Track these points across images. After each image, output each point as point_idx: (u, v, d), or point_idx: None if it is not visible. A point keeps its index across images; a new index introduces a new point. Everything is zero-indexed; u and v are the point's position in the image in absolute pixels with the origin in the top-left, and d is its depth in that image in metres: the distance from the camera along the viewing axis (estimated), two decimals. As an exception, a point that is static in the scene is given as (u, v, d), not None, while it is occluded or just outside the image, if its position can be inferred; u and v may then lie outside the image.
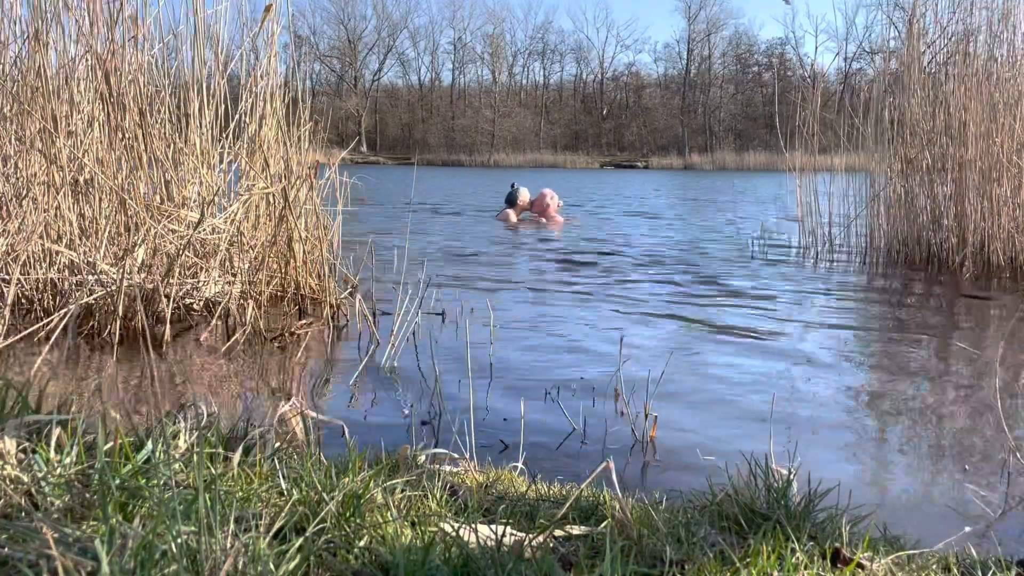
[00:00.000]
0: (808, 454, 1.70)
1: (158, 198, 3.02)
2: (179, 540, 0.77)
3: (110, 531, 0.77)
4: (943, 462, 1.74)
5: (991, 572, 1.06)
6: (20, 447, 1.03)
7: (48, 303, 2.76)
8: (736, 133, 47.54)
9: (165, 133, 3.12)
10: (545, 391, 2.16)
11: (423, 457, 1.29)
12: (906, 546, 1.13)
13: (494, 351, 2.56)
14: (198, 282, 2.96)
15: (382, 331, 2.74)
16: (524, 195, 8.48)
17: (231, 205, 3.12)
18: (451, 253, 5.18)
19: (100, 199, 2.94)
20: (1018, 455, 1.73)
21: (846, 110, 5.37)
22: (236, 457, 1.13)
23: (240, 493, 1.03)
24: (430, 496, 1.12)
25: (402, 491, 1.11)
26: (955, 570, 1.07)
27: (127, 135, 2.99)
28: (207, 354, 2.51)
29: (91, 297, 2.62)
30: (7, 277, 2.61)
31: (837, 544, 1.04)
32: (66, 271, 2.78)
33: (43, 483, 0.93)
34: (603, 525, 1.05)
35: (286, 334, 2.72)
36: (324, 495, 0.99)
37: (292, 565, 0.81)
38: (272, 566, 0.79)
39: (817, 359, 2.60)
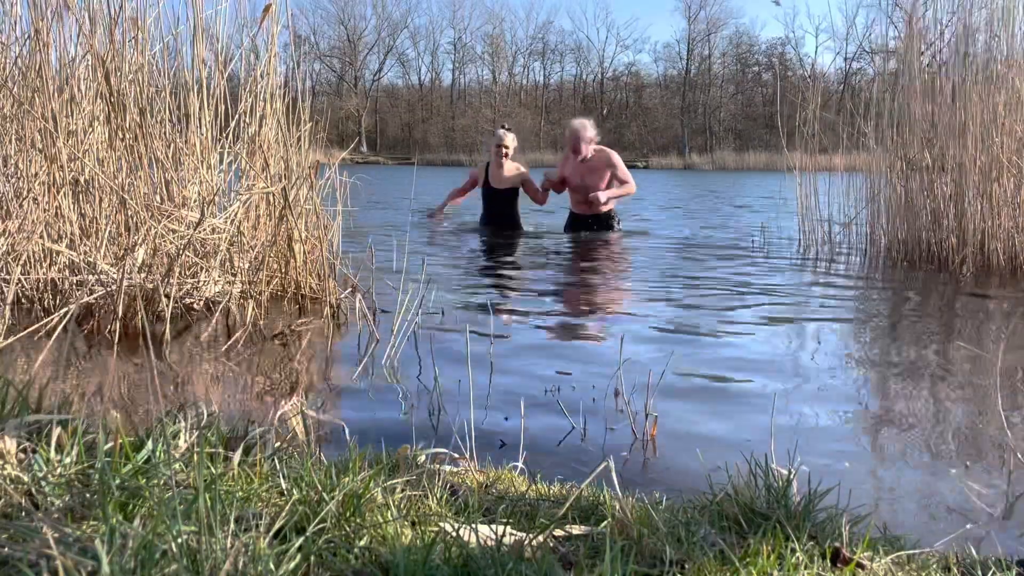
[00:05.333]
0: (808, 454, 1.70)
1: (158, 198, 3.02)
2: (179, 540, 0.77)
3: (110, 531, 0.77)
4: (943, 461, 1.74)
5: (991, 572, 1.06)
6: (20, 447, 1.03)
7: (48, 302, 2.76)
8: (736, 133, 47.58)
9: (165, 133, 3.12)
10: (545, 389, 2.16)
11: (423, 457, 1.29)
12: (906, 546, 1.13)
13: (493, 350, 2.56)
14: (198, 282, 2.96)
15: (382, 330, 2.74)
16: (508, 141, 6.08)
17: (231, 205, 3.12)
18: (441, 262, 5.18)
19: (100, 199, 2.94)
20: (1018, 454, 1.73)
21: (846, 110, 5.37)
22: (236, 457, 1.13)
23: (240, 493, 1.03)
24: (430, 496, 1.12)
25: (402, 491, 1.11)
26: (955, 570, 1.07)
27: (127, 135, 2.99)
28: (207, 353, 2.51)
29: (91, 297, 2.62)
30: (7, 277, 2.61)
31: (837, 544, 1.04)
32: (66, 271, 2.78)
33: (43, 483, 0.93)
34: (603, 525, 1.05)
35: (286, 333, 2.72)
36: (324, 495, 0.99)
37: (292, 565, 0.81)
38: (272, 566, 0.79)
39: (817, 358, 2.60)
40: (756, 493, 1.13)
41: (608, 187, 5.94)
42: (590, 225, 6.18)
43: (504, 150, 6.08)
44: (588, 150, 5.87)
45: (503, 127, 6.30)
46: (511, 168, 6.16)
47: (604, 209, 6.03)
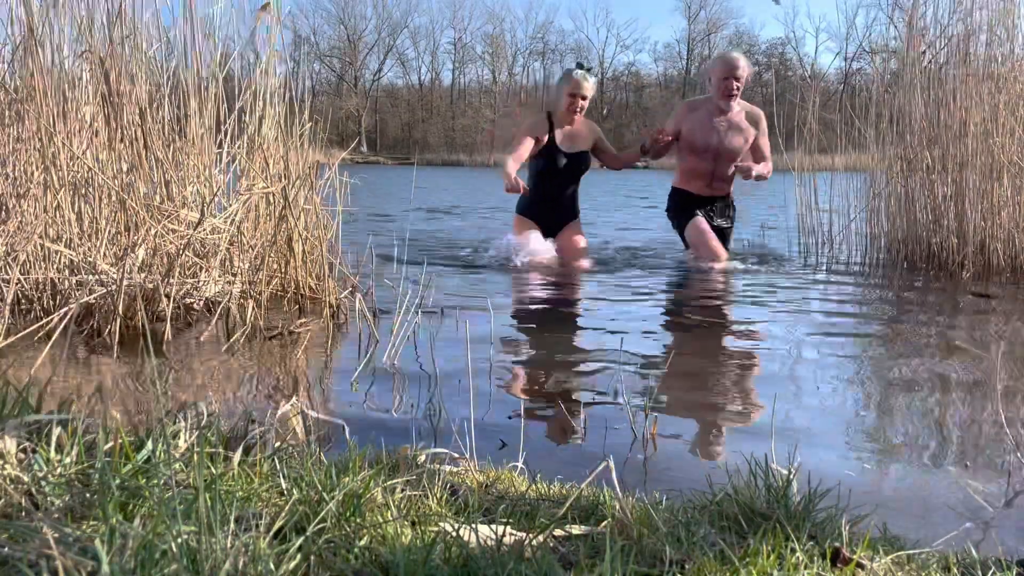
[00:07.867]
0: (808, 454, 1.70)
1: (158, 198, 3.02)
2: (179, 540, 0.77)
3: (110, 531, 0.77)
4: (944, 461, 1.74)
5: (991, 572, 1.06)
6: (20, 447, 1.03)
7: (48, 303, 2.76)
8: (736, 133, 47.49)
9: (165, 133, 3.12)
10: (545, 389, 2.16)
11: (423, 457, 1.29)
12: (906, 546, 1.13)
13: (493, 350, 2.56)
14: (198, 282, 2.95)
15: (382, 330, 2.74)
16: (587, 89, 4.21)
17: (231, 205, 3.12)
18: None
19: (100, 199, 2.94)
20: (1019, 454, 1.73)
21: (846, 110, 5.37)
22: (236, 457, 1.13)
23: (240, 493, 1.03)
24: (430, 496, 1.12)
25: (402, 491, 1.11)
26: (955, 570, 1.07)
27: (127, 135, 2.99)
28: (207, 353, 2.51)
29: (91, 297, 2.62)
30: (7, 277, 2.61)
31: (837, 544, 1.04)
32: (66, 271, 2.78)
33: (43, 483, 0.93)
34: (603, 525, 1.05)
35: (286, 333, 2.72)
36: (324, 495, 0.99)
37: (292, 565, 0.81)
38: (272, 566, 0.79)
39: (817, 358, 2.60)
40: (756, 493, 1.13)
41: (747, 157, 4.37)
42: (724, 211, 4.69)
43: (581, 102, 4.26)
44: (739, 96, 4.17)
45: (579, 66, 4.28)
46: (584, 124, 4.40)
47: (756, 179, 4.37)
